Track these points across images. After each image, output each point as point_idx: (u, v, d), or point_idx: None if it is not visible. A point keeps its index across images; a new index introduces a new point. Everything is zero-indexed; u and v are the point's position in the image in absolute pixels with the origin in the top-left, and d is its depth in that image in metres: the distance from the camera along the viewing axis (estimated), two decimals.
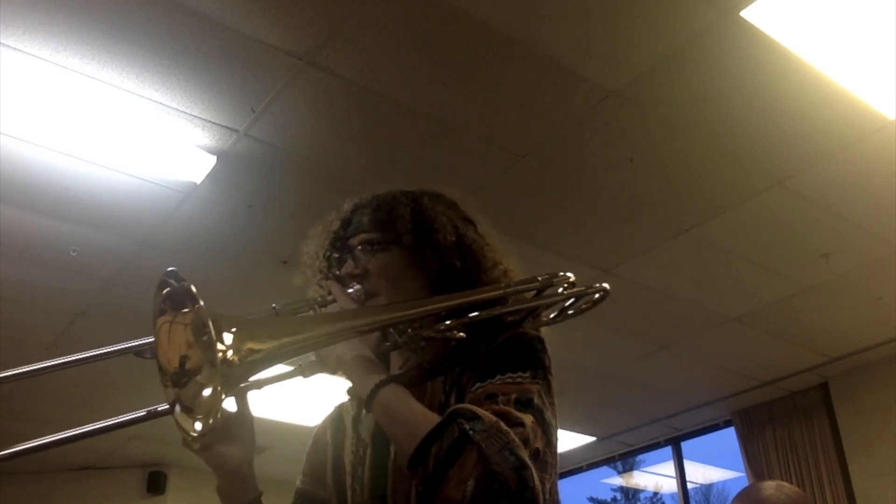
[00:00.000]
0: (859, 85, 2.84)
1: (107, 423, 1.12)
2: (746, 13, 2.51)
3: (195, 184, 3.17)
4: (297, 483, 1.37)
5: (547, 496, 1.02)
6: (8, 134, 2.84)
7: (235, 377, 0.96)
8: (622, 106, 2.90)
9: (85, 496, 5.79)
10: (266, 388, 1.16)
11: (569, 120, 2.97)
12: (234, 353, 0.94)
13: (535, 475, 0.97)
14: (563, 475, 6.67)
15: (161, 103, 2.78)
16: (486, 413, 1.01)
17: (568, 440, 6.00)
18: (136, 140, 2.93)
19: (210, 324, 0.92)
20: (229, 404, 1.18)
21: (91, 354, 1.12)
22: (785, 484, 2.04)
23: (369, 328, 1.14)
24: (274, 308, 1.15)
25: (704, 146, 3.13)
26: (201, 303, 0.94)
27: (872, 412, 4.90)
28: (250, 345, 0.96)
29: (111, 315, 3.89)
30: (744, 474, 5.61)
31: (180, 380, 0.97)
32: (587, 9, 2.50)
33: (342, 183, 3.14)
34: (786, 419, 5.34)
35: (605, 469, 9.08)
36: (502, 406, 1.05)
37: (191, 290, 0.96)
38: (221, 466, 1.18)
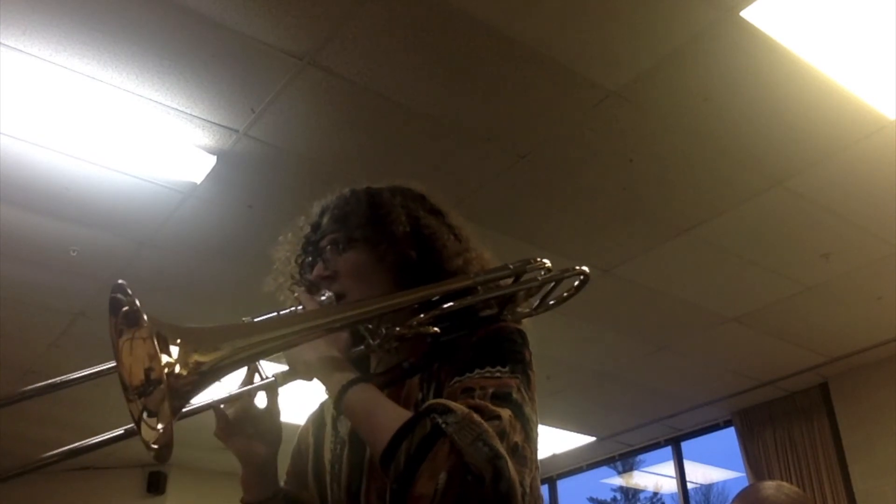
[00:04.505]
0: (859, 85, 2.84)
1: (86, 443, 1.11)
2: (746, 13, 2.51)
3: (195, 184, 3.17)
4: (281, 484, 1.36)
5: (527, 491, 0.99)
6: (8, 134, 2.84)
7: (186, 390, 0.94)
8: (622, 106, 2.90)
9: (85, 496, 5.79)
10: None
11: (569, 120, 2.97)
12: (182, 366, 0.92)
13: (511, 465, 0.95)
14: (563, 475, 6.67)
15: (161, 103, 2.78)
16: (459, 406, 0.99)
17: (568, 440, 6.00)
18: (136, 140, 2.93)
19: (154, 339, 0.91)
20: (260, 401, 1.21)
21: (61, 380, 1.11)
22: (785, 484, 2.04)
23: (328, 327, 1.11)
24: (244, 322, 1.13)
25: (704, 146, 3.13)
26: (145, 318, 0.92)
27: (872, 412, 4.89)
28: (196, 357, 0.94)
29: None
30: (744, 474, 5.61)
31: (146, 390, 0.95)
32: (587, 9, 2.50)
33: (342, 183, 3.12)
34: (786, 419, 5.34)
35: (605, 469, 9.07)
36: (478, 400, 1.03)
37: (135, 304, 0.94)
38: (249, 460, 1.21)
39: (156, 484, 5.91)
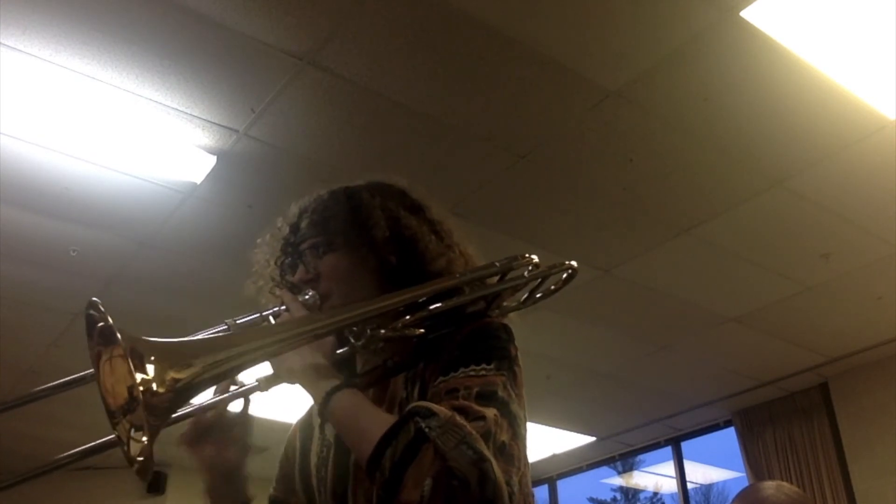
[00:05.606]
0: (859, 85, 2.84)
1: (79, 450, 1.10)
2: (746, 13, 2.51)
3: (195, 184, 3.17)
4: (270, 490, 1.36)
5: (515, 489, 0.98)
6: (8, 134, 2.84)
7: (164, 408, 0.92)
8: (622, 106, 2.90)
9: (85, 496, 5.78)
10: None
11: (569, 120, 2.97)
12: (158, 384, 0.90)
13: (496, 467, 0.94)
14: (563, 475, 6.67)
15: (161, 103, 2.78)
16: (442, 408, 0.98)
17: (568, 440, 6.00)
18: (136, 140, 2.93)
19: (128, 357, 0.88)
20: (233, 405, 1.17)
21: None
22: (785, 484, 2.04)
23: (312, 334, 1.09)
24: (226, 325, 1.12)
25: (704, 146, 3.13)
26: (119, 336, 0.90)
27: (872, 412, 4.89)
28: (172, 374, 0.92)
29: (111, 315, 3.90)
30: (744, 474, 5.61)
31: (130, 406, 0.92)
32: (587, 9, 2.50)
33: (342, 183, 3.14)
34: (786, 419, 5.34)
35: (605, 469, 9.08)
36: (462, 401, 1.02)
37: (108, 323, 0.92)
38: (212, 468, 1.18)
39: (156, 484, 5.91)
